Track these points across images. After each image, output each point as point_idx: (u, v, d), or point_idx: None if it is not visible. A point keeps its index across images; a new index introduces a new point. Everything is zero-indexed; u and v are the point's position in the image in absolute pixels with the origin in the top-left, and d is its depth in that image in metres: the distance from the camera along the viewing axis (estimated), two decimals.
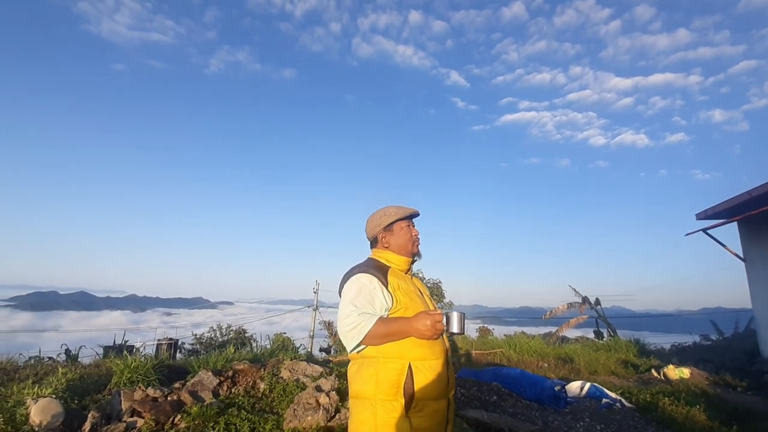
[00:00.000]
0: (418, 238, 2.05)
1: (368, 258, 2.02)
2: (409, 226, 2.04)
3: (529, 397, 5.76)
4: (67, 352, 8.95)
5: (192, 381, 4.15)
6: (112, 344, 10.29)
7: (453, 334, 1.74)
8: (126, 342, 11.09)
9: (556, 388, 5.97)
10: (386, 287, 1.82)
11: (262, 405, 3.90)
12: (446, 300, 12.49)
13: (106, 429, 3.12)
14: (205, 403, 3.59)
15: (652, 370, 7.66)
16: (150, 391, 3.73)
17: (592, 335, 15.37)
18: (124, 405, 3.48)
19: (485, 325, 15.79)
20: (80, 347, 9.25)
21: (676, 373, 6.98)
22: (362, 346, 1.76)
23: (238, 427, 3.28)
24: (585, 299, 16.44)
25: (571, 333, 16.46)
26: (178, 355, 10.45)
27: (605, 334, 14.63)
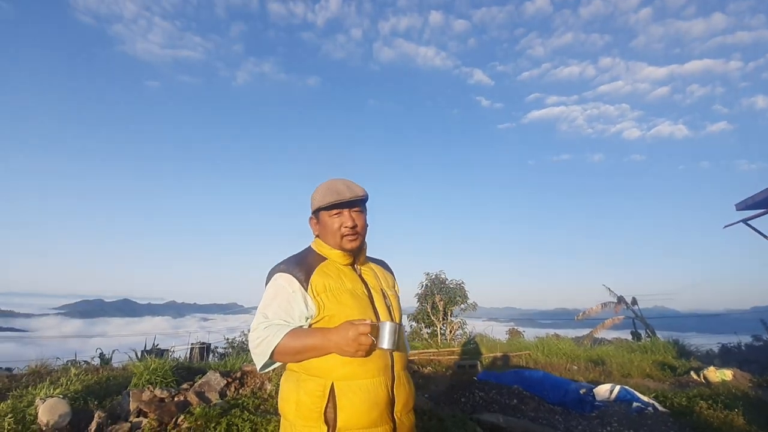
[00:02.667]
0: (352, 230, 1.54)
1: (306, 248, 1.64)
2: (339, 214, 1.54)
3: (553, 400, 5.48)
4: (102, 356, 9.38)
5: (199, 382, 4.18)
6: (146, 349, 10.72)
7: (383, 349, 1.38)
8: (157, 345, 11.54)
9: (582, 391, 5.65)
10: (307, 290, 1.45)
11: (267, 406, 3.86)
12: (470, 301, 12.17)
13: (111, 429, 3.17)
14: (210, 404, 3.60)
15: (691, 373, 7.13)
16: (158, 391, 3.78)
17: (629, 337, 14.63)
18: (132, 405, 3.53)
19: (516, 327, 15.33)
20: (113, 351, 9.66)
21: (718, 375, 6.46)
22: (277, 363, 1.46)
23: (240, 428, 3.25)
24: (620, 299, 15.67)
25: (608, 334, 15.72)
26: (211, 358, 10.72)
27: (643, 335, 13.87)
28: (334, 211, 1.55)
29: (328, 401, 1.37)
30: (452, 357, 8.71)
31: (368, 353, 1.38)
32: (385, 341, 1.35)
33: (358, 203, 1.58)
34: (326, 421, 1.35)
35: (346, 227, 1.53)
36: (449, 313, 11.87)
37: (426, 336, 11.52)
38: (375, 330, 1.37)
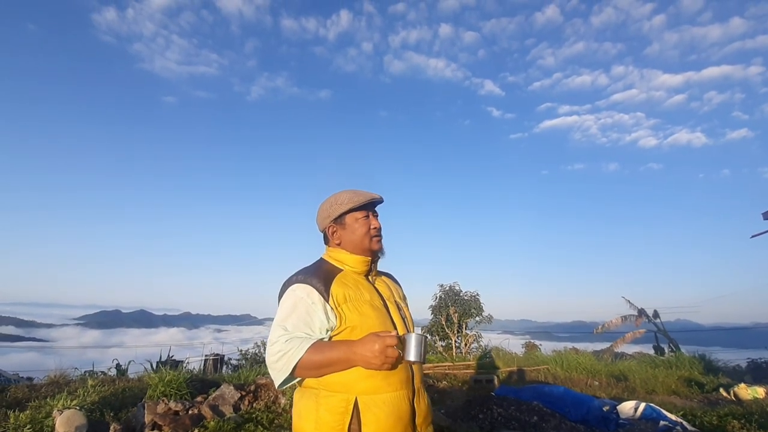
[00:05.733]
0: (379, 232, 1.57)
1: (318, 260, 1.60)
2: (367, 216, 1.57)
3: (574, 418, 5.27)
4: (118, 366, 9.45)
5: (214, 395, 4.15)
6: (161, 360, 10.78)
7: (410, 362, 1.33)
8: (172, 357, 11.59)
9: (605, 409, 5.43)
10: (327, 300, 1.40)
11: (281, 421, 3.81)
12: (485, 313, 11.95)
13: None
14: (224, 418, 3.56)
15: (721, 390, 6.81)
16: (172, 404, 3.77)
17: (651, 351, 14.15)
18: (147, 418, 3.52)
19: (532, 341, 14.98)
20: (129, 362, 9.73)
21: (749, 392, 6.16)
22: (297, 379, 1.40)
23: None
24: (641, 312, 15.22)
25: (629, 349, 15.23)
26: (225, 370, 10.72)
27: (666, 350, 13.39)
28: (361, 214, 1.56)
29: (351, 417, 1.32)
30: (468, 371, 8.53)
31: (394, 366, 1.34)
32: (412, 353, 1.31)
33: (377, 206, 1.63)
34: None
35: (374, 228, 1.56)
36: (464, 326, 11.67)
37: (441, 349, 11.33)
38: (401, 342, 1.33)
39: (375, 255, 1.58)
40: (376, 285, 1.58)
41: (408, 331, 1.46)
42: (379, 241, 1.58)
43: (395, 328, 1.46)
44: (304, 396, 1.41)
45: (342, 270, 1.52)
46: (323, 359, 1.32)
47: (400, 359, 1.33)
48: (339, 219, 1.56)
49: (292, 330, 1.37)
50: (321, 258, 1.61)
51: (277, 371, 1.34)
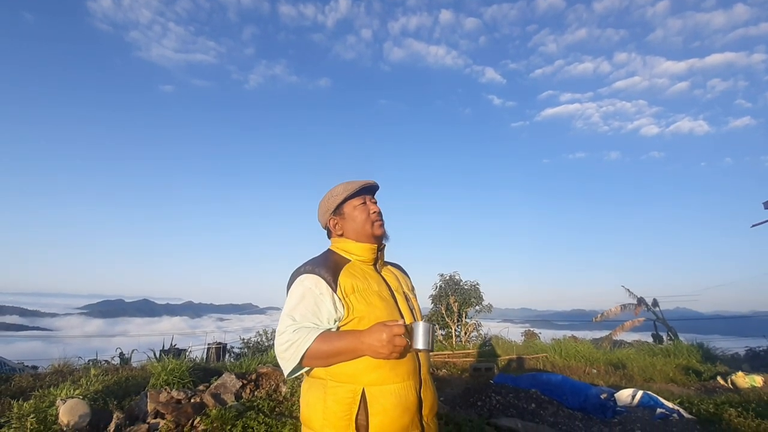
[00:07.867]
0: (379, 216, 1.58)
1: (326, 250, 1.60)
2: (364, 203, 1.58)
3: (572, 405, 5.34)
4: (121, 355, 9.57)
5: (215, 384, 4.20)
6: (164, 349, 10.90)
7: (419, 350, 1.33)
8: (175, 345, 11.72)
9: (603, 396, 5.49)
10: (335, 291, 1.41)
11: (282, 409, 3.86)
12: (485, 302, 12.02)
13: (129, 430, 3.20)
14: (226, 406, 3.61)
15: (718, 378, 6.88)
16: (175, 393, 3.81)
17: (650, 339, 14.28)
18: (150, 406, 3.57)
19: (532, 329, 15.11)
20: (132, 351, 9.84)
21: (747, 380, 6.22)
22: (305, 369, 1.40)
23: (255, 431, 3.26)
24: (641, 300, 15.30)
25: (628, 337, 15.37)
26: (227, 358, 10.83)
27: (665, 338, 13.51)
28: (358, 201, 1.58)
29: (359, 407, 1.33)
30: (467, 359, 8.62)
31: (402, 355, 1.34)
32: (420, 341, 1.31)
33: (375, 192, 1.65)
34: (357, 428, 1.32)
35: (374, 213, 1.57)
36: (464, 315, 11.75)
37: (440, 338, 11.43)
38: (408, 331, 1.33)
39: (379, 241, 1.58)
40: (383, 275, 1.59)
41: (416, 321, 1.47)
42: (381, 225, 1.58)
43: (403, 319, 1.46)
44: (312, 386, 1.43)
45: (350, 261, 1.53)
46: (331, 349, 1.33)
47: (408, 348, 1.33)
48: (337, 210, 1.58)
49: (300, 320, 1.38)
50: (328, 249, 1.61)
51: (286, 360, 1.35)
